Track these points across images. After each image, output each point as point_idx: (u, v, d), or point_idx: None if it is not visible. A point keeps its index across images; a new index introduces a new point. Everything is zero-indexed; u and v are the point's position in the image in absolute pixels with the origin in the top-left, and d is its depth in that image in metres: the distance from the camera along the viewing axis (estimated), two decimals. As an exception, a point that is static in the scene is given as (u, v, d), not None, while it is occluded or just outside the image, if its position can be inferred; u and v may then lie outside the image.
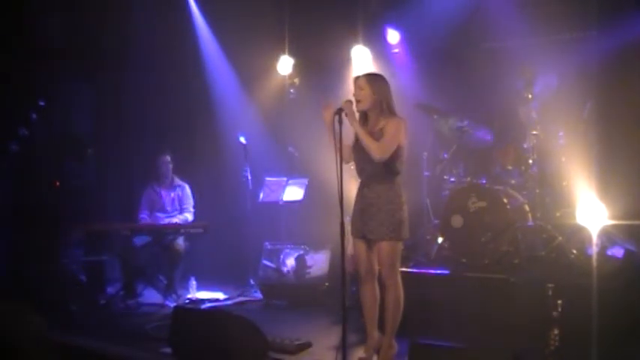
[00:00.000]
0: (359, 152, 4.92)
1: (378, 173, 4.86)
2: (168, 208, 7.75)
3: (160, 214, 7.72)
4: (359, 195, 4.96)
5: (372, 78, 4.96)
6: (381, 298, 5.03)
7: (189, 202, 7.87)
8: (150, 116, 8.88)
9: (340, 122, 4.66)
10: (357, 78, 4.98)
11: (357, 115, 4.86)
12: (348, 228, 4.89)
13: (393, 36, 8.45)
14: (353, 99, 4.87)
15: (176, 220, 7.64)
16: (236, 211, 8.61)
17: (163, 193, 7.81)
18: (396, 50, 8.49)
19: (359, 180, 5.04)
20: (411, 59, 8.21)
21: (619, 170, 6.79)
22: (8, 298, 6.25)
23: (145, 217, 7.72)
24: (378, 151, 4.78)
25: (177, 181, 7.88)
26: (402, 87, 7.89)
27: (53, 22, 8.04)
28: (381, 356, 4.98)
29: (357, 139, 4.91)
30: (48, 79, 7.91)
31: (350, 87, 5.09)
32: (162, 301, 7.28)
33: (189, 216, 7.81)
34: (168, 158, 7.82)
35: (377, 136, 4.83)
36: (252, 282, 7.87)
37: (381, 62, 8.54)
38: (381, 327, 5.05)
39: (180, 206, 7.81)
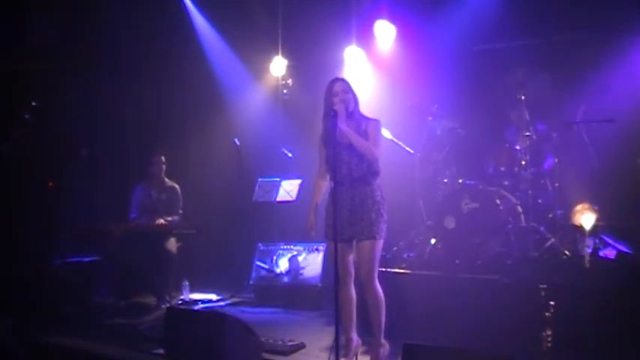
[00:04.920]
0: (345, 157, 4.90)
1: (365, 175, 4.90)
2: (159, 209, 7.69)
3: (150, 215, 7.67)
4: (346, 198, 4.88)
5: (349, 82, 5.04)
6: (362, 299, 5.02)
7: (179, 204, 7.84)
8: (143, 117, 8.87)
9: (335, 125, 4.69)
10: (339, 81, 5.02)
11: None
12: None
13: (387, 35, 8.43)
14: (339, 103, 4.87)
15: (162, 220, 7.56)
16: (229, 212, 8.61)
17: (154, 194, 7.76)
18: (390, 50, 8.48)
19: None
20: (404, 61, 8.21)
21: (611, 172, 6.82)
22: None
23: (135, 217, 7.69)
24: (372, 151, 4.84)
25: (168, 182, 7.84)
26: (396, 88, 7.93)
27: (47, 22, 8.01)
28: (373, 355, 4.99)
29: (333, 146, 4.79)
30: (41, 80, 7.89)
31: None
32: (155, 302, 7.26)
33: (176, 217, 7.76)
34: (162, 159, 7.79)
35: (363, 137, 4.88)
36: (245, 283, 7.87)
37: (374, 63, 8.56)
38: (369, 328, 5.06)
39: (170, 207, 7.76)
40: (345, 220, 4.86)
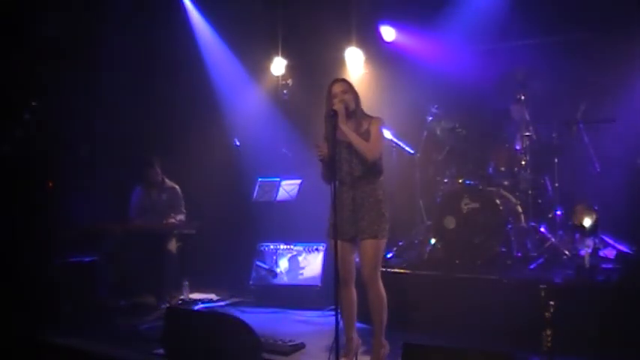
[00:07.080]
0: (346, 156, 4.91)
1: (366, 174, 4.89)
2: (159, 209, 7.68)
3: (149, 215, 7.66)
4: (347, 198, 4.90)
5: (349, 82, 5.06)
6: (364, 298, 5.01)
7: (181, 203, 7.83)
8: (143, 117, 8.86)
9: (336, 126, 4.69)
10: (339, 82, 5.04)
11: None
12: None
13: (387, 35, 8.42)
14: (338, 103, 4.88)
15: (172, 220, 7.56)
16: (229, 212, 8.60)
17: (153, 194, 7.75)
18: (390, 50, 8.48)
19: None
20: (404, 61, 8.21)
21: (611, 172, 6.82)
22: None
23: (135, 217, 7.68)
24: (371, 152, 4.82)
25: (168, 182, 7.82)
26: (395, 88, 7.93)
27: (47, 21, 8.01)
28: (373, 356, 4.99)
29: (336, 145, 4.84)
30: (41, 80, 7.88)
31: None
32: (155, 302, 7.25)
33: (182, 217, 7.76)
34: (155, 161, 7.74)
35: (364, 137, 4.86)
36: (245, 283, 7.86)
37: (374, 63, 8.56)
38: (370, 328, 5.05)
39: (170, 208, 7.75)
40: (346, 219, 4.86)
